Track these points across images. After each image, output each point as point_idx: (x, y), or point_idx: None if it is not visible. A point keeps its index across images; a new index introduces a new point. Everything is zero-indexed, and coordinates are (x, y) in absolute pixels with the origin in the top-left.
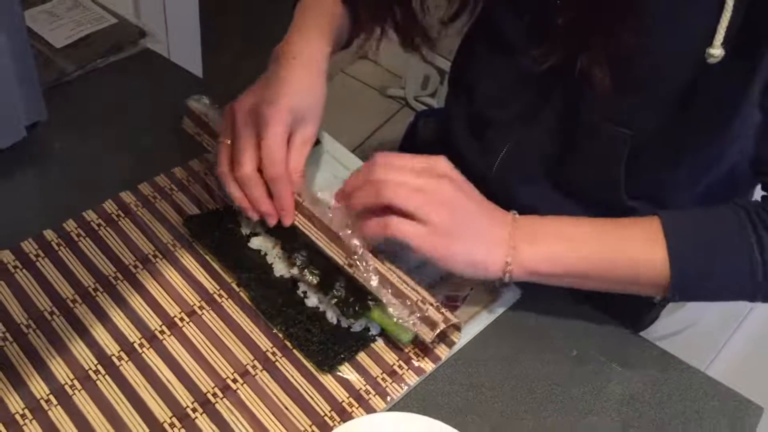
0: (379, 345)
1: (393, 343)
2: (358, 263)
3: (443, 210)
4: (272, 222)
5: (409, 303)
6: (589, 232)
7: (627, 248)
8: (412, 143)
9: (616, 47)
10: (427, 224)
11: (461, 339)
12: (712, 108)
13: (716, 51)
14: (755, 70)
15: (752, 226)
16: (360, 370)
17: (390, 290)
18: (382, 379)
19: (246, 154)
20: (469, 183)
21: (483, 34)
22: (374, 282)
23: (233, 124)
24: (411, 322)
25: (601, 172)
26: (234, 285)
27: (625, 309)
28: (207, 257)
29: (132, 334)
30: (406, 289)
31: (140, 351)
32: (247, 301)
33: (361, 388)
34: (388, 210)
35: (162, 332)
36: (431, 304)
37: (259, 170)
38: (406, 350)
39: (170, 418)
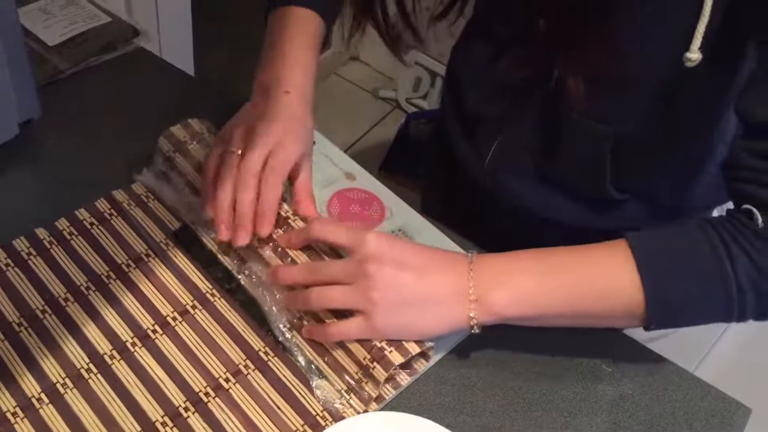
0: None
1: None
2: (284, 344)
3: (375, 295)
4: (241, 240)
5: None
6: (556, 265)
7: (597, 278)
8: (403, 144)
9: (591, 57)
10: (364, 313)
11: (453, 340)
12: (693, 109)
13: (693, 55)
14: (735, 74)
15: (720, 239)
16: None
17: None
18: None
19: (253, 166)
20: (405, 247)
21: (476, 35)
22: (302, 360)
23: (230, 141)
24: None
25: (586, 166)
26: (227, 284)
27: None
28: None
29: (124, 333)
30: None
31: (132, 350)
32: (240, 298)
33: None
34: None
35: (154, 331)
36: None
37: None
38: None
39: (162, 417)
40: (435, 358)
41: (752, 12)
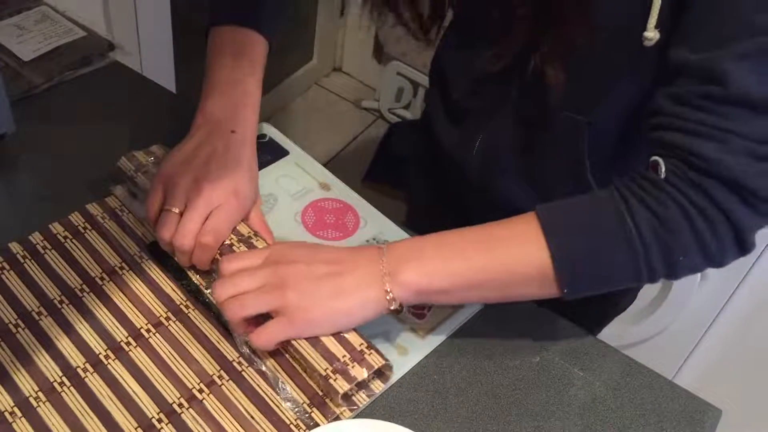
0: None
1: None
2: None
3: (287, 292)
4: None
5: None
6: (465, 239)
7: (506, 247)
8: (386, 154)
9: (567, 40)
10: (283, 311)
11: (428, 346)
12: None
13: (650, 34)
14: None
15: (620, 195)
16: None
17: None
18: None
19: (192, 228)
20: (313, 246)
21: (458, 29)
22: (268, 373)
23: (173, 193)
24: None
25: (566, 164)
26: (201, 296)
27: (588, 310)
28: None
29: (97, 346)
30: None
31: (106, 362)
32: (214, 311)
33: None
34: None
35: (128, 343)
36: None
37: None
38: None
39: (136, 429)
40: (409, 364)
41: None
